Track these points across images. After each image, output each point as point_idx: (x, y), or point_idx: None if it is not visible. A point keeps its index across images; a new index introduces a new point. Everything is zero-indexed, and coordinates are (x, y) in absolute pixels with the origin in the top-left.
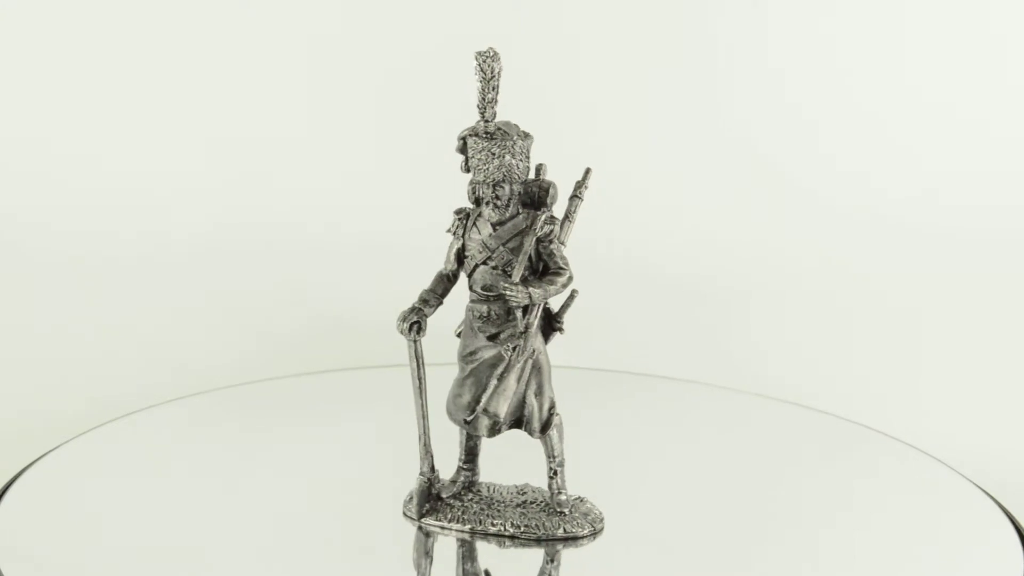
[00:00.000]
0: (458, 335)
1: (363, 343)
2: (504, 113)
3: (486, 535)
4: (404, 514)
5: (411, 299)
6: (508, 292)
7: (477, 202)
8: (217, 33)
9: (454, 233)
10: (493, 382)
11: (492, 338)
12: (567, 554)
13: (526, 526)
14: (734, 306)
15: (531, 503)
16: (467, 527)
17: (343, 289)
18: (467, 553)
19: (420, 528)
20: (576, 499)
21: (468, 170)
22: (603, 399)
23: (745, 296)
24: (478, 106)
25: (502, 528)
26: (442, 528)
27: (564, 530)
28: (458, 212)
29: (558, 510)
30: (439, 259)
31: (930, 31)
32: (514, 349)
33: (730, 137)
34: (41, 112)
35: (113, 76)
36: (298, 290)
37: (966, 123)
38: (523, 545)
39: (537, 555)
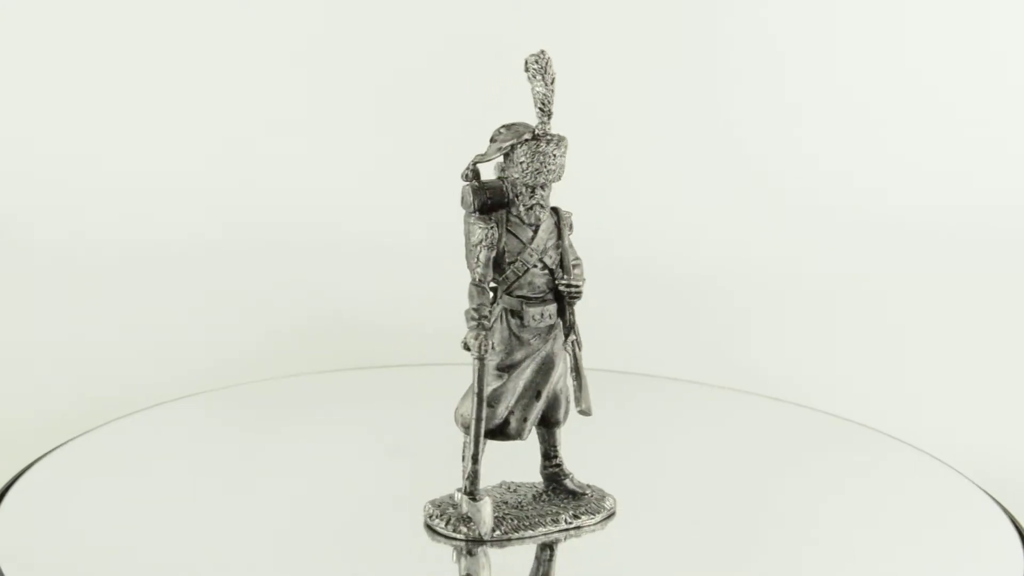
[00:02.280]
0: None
1: (363, 343)
2: (508, 114)
3: (549, 533)
4: (428, 526)
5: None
6: (575, 287)
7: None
8: (217, 34)
9: (489, 244)
10: (569, 382)
11: (539, 339)
12: (565, 547)
13: (583, 513)
14: (734, 306)
15: (540, 495)
16: (539, 531)
17: (343, 289)
18: (469, 559)
19: (489, 543)
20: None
21: (471, 178)
22: (601, 399)
23: (745, 296)
24: (542, 108)
25: (565, 521)
26: (516, 538)
27: (604, 508)
28: (487, 220)
29: (581, 492)
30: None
31: (926, 34)
32: (575, 344)
33: (728, 139)
34: (41, 112)
35: (115, 76)
36: (298, 290)
37: (960, 124)
38: (592, 532)
39: (529, 549)
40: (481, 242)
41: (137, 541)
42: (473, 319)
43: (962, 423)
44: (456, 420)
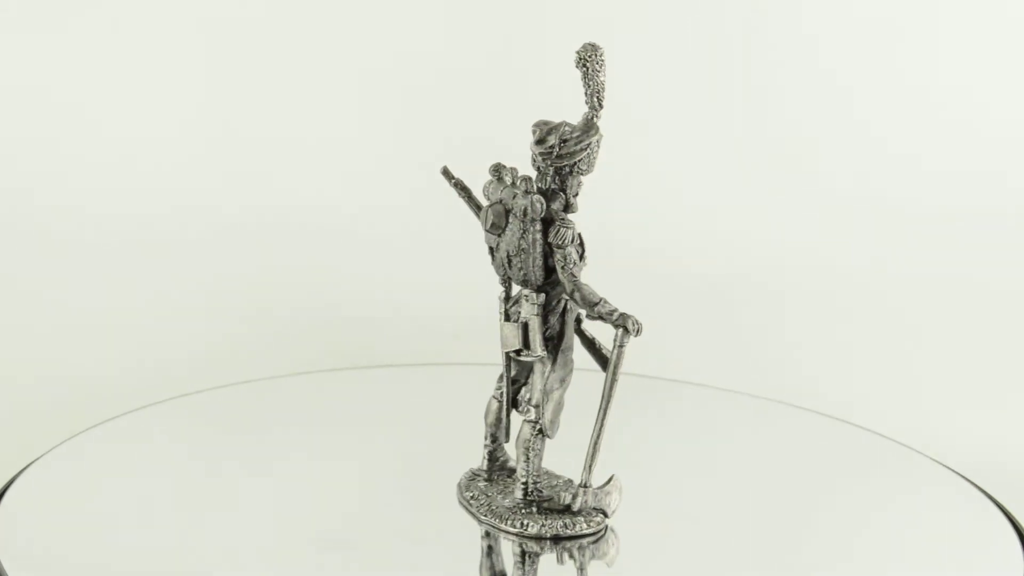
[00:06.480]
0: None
1: (364, 343)
2: (534, 113)
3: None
4: (496, 527)
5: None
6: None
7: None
8: (219, 23)
9: (573, 243)
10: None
11: None
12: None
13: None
14: (756, 310)
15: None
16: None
17: (344, 289)
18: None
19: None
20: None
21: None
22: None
23: (757, 300)
24: (600, 101)
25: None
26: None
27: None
28: (570, 220)
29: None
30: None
31: (935, 38)
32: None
33: (752, 138)
34: (44, 107)
35: (120, 69)
36: (299, 290)
37: (978, 125)
38: None
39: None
40: (572, 244)
41: (136, 540)
42: (610, 310)
43: (962, 423)
44: (548, 431)
